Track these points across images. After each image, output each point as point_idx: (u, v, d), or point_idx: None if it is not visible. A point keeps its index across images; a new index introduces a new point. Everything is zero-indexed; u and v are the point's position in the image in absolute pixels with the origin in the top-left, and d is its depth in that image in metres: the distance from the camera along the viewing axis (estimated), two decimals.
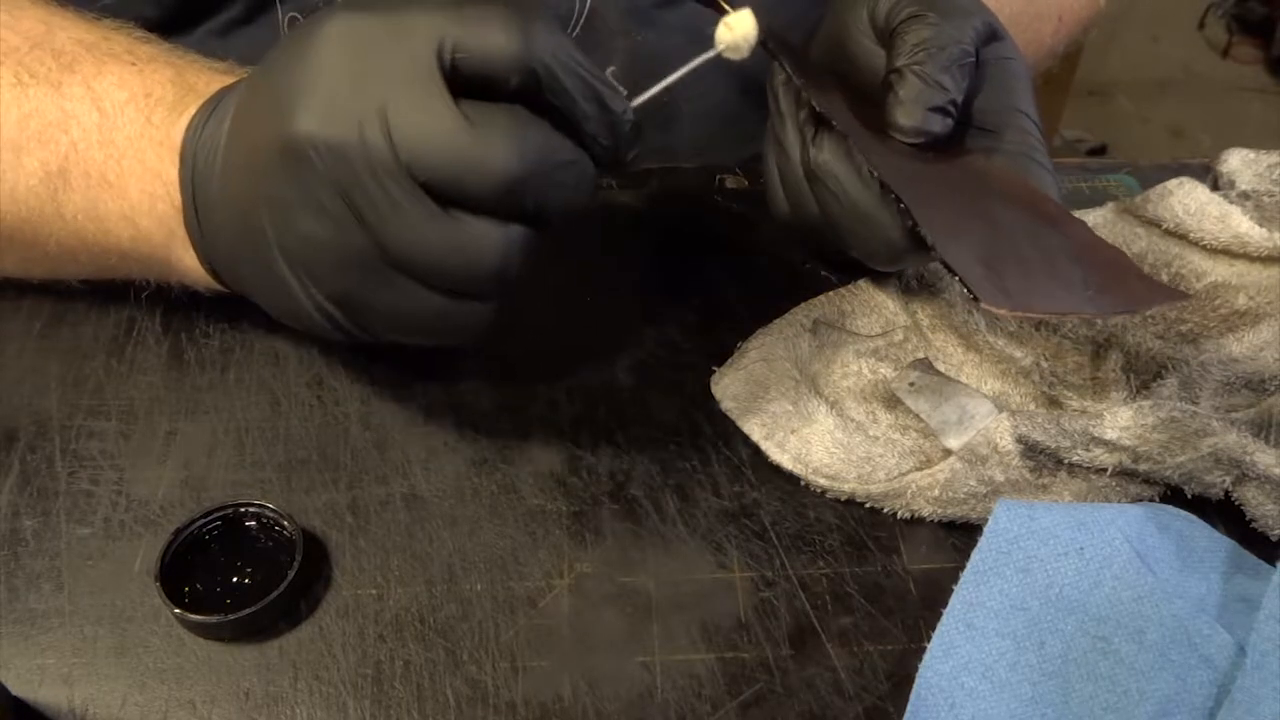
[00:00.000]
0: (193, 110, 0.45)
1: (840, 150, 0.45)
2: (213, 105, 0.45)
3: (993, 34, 0.48)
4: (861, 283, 0.54)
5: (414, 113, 0.37)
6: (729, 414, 0.49)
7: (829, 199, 0.46)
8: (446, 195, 0.38)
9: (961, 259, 0.41)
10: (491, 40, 0.38)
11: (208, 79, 0.47)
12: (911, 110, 0.45)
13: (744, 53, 0.44)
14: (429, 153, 0.37)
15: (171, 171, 0.45)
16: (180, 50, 0.50)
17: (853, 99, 0.47)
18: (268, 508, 0.44)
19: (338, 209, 0.38)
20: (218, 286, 0.48)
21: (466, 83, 0.38)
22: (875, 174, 0.44)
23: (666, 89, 0.43)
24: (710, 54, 0.44)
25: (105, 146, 0.46)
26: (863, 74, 0.50)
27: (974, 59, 0.47)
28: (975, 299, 0.40)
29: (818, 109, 0.45)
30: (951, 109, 0.46)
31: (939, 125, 0.46)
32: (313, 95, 0.38)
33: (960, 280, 0.41)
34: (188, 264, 0.48)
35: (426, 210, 0.37)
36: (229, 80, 0.47)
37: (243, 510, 0.44)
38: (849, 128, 0.45)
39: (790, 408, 0.47)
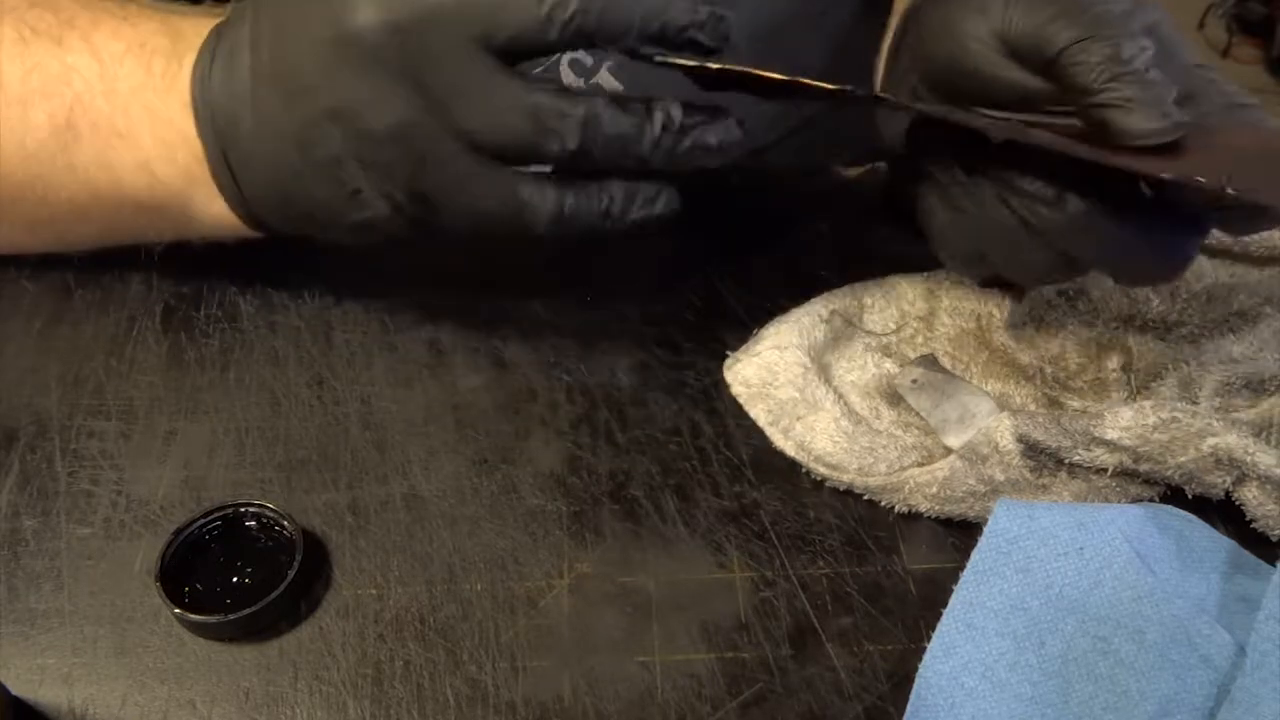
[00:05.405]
0: (190, 57, 0.46)
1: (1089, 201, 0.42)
2: (210, 49, 0.45)
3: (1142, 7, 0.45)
4: (888, 278, 0.54)
5: None
6: (738, 399, 0.49)
7: (1090, 247, 0.43)
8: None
9: None
10: None
11: (193, 23, 0.48)
12: (1149, 113, 0.41)
13: None
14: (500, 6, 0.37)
15: (184, 120, 0.46)
16: (161, 4, 0.50)
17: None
18: (268, 508, 0.44)
19: (409, 93, 0.38)
20: (244, 231, 0.49)
21: None
22: (1231, 188, 0.38)
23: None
24: None
25: (109, 97, 0.47)
26: (993, 92, 0.46)
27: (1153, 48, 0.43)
28: None
29: (1100, 162, 0.40)
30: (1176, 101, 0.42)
31: (1179, 115, 0.42)
32: None
33: None
34: (212, 210, 0.48)
35: (503, 80, 0.38)
36: (211, 22, 0.47)
37: (243, 510, 0.44)
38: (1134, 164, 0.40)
39: (797, 395, 0.47)
